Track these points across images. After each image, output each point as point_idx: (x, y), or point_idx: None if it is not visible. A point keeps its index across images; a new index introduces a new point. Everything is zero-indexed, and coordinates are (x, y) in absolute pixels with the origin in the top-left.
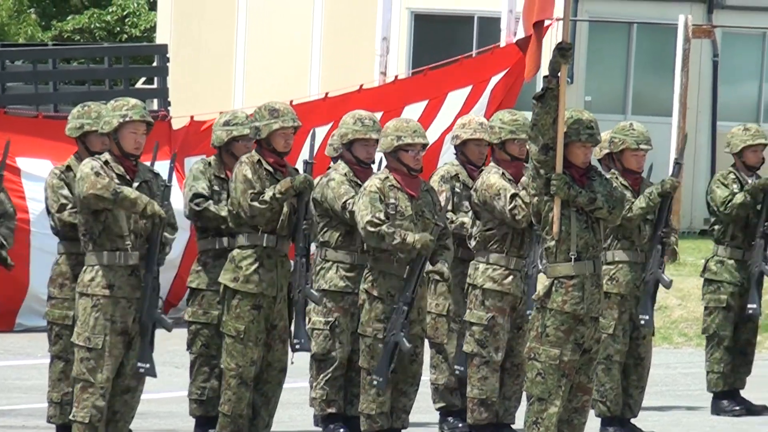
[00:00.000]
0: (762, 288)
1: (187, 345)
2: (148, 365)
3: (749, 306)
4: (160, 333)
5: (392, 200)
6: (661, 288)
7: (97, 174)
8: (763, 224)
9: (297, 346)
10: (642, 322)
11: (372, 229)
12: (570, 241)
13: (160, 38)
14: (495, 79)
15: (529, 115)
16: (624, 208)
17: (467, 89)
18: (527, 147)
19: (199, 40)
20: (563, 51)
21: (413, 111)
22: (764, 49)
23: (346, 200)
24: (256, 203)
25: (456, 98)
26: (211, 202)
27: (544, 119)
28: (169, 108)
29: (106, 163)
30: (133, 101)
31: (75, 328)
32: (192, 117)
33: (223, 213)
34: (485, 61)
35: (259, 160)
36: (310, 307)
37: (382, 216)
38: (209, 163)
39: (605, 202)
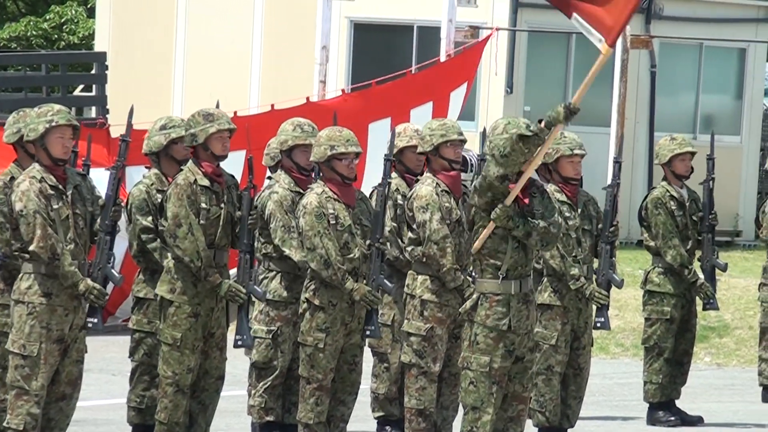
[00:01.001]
0: (716, 282)
1: (129, 352)
2: (96, 320)
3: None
4: (98, 341)
5: (331, 211)
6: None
7: (46, 235)
8: (707, 218)
9: (239, 342)
10: (598, 324)
11: (329, 273)
12: (499, 259)
13: (98, 46)
14: (456, 95)
15: (464, 123)
16: (560, 235)
17: (428, 105)
18: (485, 168)
19: (138, 47)
20: (569, 112)
21: (380, 128)
22: (701, 59)
23: (283, 235)
24: (187, 243)
25: (420, 115)
26: (156, 242)
27: (518, 158)
28: (107, 116)
29: (41, 180)
30: (57, 107)
31: (10, 335)
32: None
33: (165, 262)
34: (436, 75)
35: (195, 180)
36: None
37: (333, 252)
38: (151, 183)
39: (539, 241)
